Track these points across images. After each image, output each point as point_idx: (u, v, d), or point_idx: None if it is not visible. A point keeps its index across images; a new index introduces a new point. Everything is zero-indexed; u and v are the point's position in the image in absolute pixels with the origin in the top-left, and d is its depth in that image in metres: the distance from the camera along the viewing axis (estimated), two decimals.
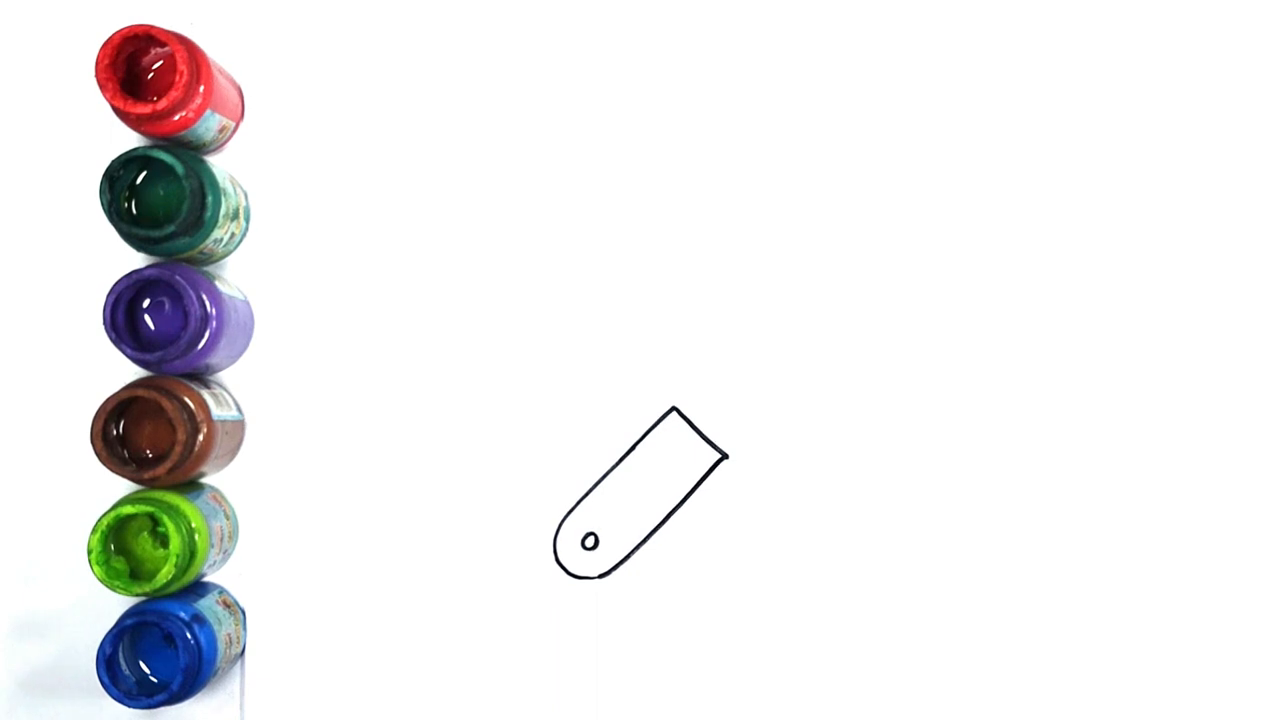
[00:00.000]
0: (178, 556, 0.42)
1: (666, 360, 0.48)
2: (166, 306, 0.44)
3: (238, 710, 0.47)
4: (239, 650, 0.46)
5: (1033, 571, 0.47)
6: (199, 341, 0.43)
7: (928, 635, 0.47)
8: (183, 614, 0.43)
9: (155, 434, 0.44)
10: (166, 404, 0.42)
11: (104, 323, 0.42)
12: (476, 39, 0.48)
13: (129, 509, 0.42)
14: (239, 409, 0.47)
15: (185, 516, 0.43)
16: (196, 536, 0.43)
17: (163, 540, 0.43)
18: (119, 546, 0.43)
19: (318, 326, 0.47)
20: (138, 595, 0.42)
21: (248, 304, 0.47)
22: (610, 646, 0.47)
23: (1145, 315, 0.48)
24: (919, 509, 0.47)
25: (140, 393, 0.42)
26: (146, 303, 0.44)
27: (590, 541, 0.47)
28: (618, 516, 0.47)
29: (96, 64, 0.41)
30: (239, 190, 0.46)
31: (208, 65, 0.43)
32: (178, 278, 0.42)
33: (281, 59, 0.48)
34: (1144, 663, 0.47)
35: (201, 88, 0.43)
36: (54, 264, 0.47)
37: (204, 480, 0.47)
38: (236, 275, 0.47)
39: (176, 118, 0.43)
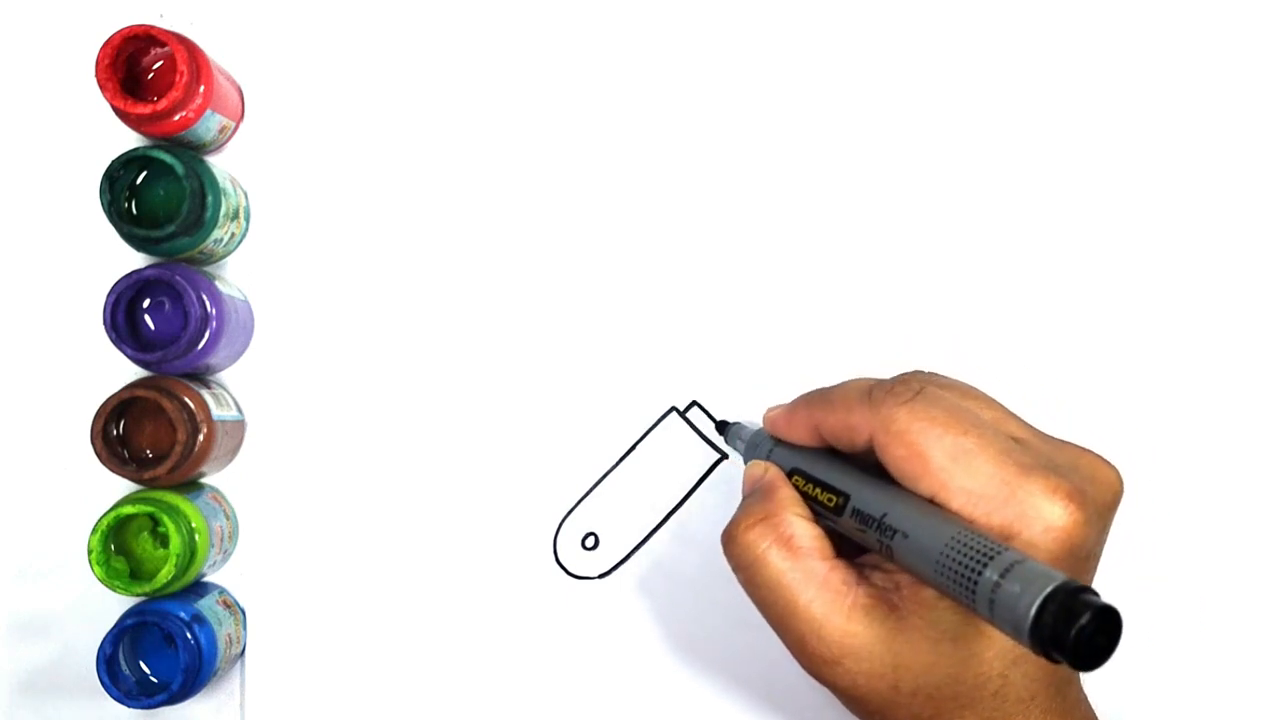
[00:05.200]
0: (178, 556, 0.42)
1: (666, 360, 0.48)
2: (166, 306, 0.44)
3: (238, 710, 0.47)
4: (239, 650, 0.46)
5: None
6: (199, 341, 0.43)
7: None
8: (183, 614, 0.43)
9: (155, 434, 0.44)
10: (166, 404, 0.42)
11: (104, 323, 0.42)
12: (477, 39, 0.48)
13: (129, 509, 0.42)
14: (239, 409, 0.47)
15: (185, 516, 0.43)
16: (196, 536, 0.43)
17: (163, 540, 0.43)
18: (119, 546, 0.43)
19: (318, 326, 0.47)
20: (138, 595, 0.42)
21: (248, 304, 0.47)
22: (610, 646, 0.47)
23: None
24: None
25: (140, 393, 0.42)
26: (146, 303, 0.44)
27: (590, 541, 0.47)
28: (618, 516, 0.47)
29: (96, 64, 0.41)
30: (239, 190, 0.46)
31: (208, 65, 0.43)
32: (178, 278, 0.42)
33: (281, 59, 0.48)
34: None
35: (201, 88, 0.43)
36: (54, 264, 0.47)
37: (204, 480, 0.47)
38: (236, 275, 0.47)
39: (176, 118, 0.43)
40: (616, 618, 0.47)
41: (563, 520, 0.47)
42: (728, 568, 0.37)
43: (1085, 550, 0.32)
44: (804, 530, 0.36)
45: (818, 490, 0.37)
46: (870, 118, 0.48)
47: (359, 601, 0.47)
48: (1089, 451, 0.35)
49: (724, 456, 0.48)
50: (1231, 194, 0.48)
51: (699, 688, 0.47)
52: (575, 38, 0.48)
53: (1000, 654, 0.33)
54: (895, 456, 0.33)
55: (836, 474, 0.37)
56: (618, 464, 0.48)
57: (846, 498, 0.35)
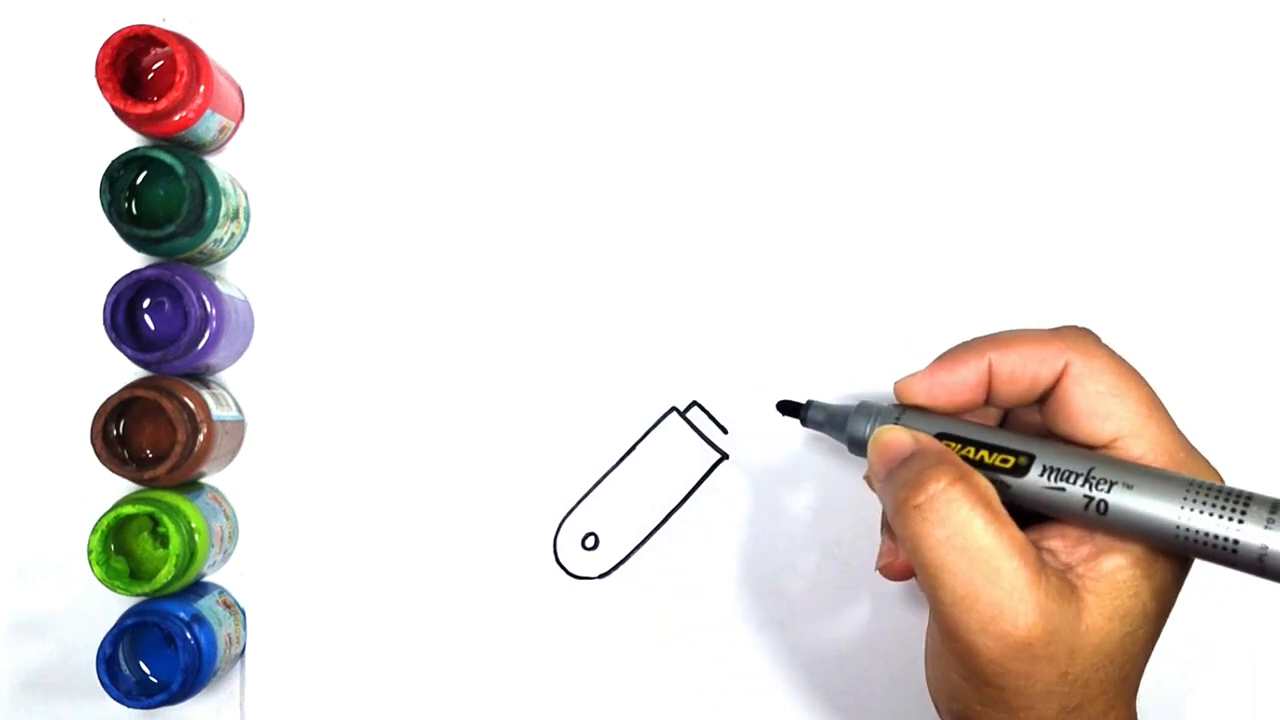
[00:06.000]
0: (178, 556, 0.42)
1: (666, 360, 0.48)
2: (166, 306, 0.44)
3: (238, 710, 0.47)
4: (239, 650, 0.46)
5: None
6: (199, 341, 0.43)
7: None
8: (183, 614, 0.43)
9: (155, 434, 0.44)
10: (166, 404, 0.42)
11: (104, 323, 0.42)
12: (477, 39, 0.48)
13: (129, 509, 0.42)
14: (239, 409, 0.47)
15: (185, 516, 0.43)
16: (196, 536, 0.43)
17: (163, 540, 0.43)
18: (119, 546, 0.43)
19: (318, 326, 0.47)
20: (138, 595, 0.42)
21: (248, 304, 0.47)
22: (610, 646, 0.47)
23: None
24: None
25: (140, 393, 0.42)
26: (146, 303, 0.44)
27: (590, 541, 0.47)
28: (618, 516, 0.47)
29: (96, 64, 0.41)
30: (239, 190, 0.46)
31: (208, 65, 0.43)
32: (178, 278, 0.42)
33: (281, 59, 0.48)
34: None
35: (201, 88, 0.43)
36: (54, 264, 0.47)
37: (204, 480, 0.47)
38: (236, 275, 0.47)
39: (176, 118, 0.43)
40: (616, 618, 0.47)
41: (563, 520, 0.47)
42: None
43: None
44: (996, 496, 0.33)
45: (983, 453, 0.34)
46: (870, 118, 0.48)
47: (359, 601, 0.47)
48: None
49: (724, 456, 0.48)
50: (1238, 193, 0.48)
51: (699, 688, 0.47)
52: (575, 38, 0.48)
53: (1149, 629, 0.33)
54: (1092, 391, 0.33)
55: (1001, 434, 0.34)
56: (618, 464, 0.48)
57: (1031, 457, 0.33)
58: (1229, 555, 0.29)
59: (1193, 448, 0.33)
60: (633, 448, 0.48)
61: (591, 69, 0.48)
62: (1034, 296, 0.48)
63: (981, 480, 0.33)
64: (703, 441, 0.48)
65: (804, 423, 0.41)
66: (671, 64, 0.48)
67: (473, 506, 0.47)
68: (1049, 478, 0.32)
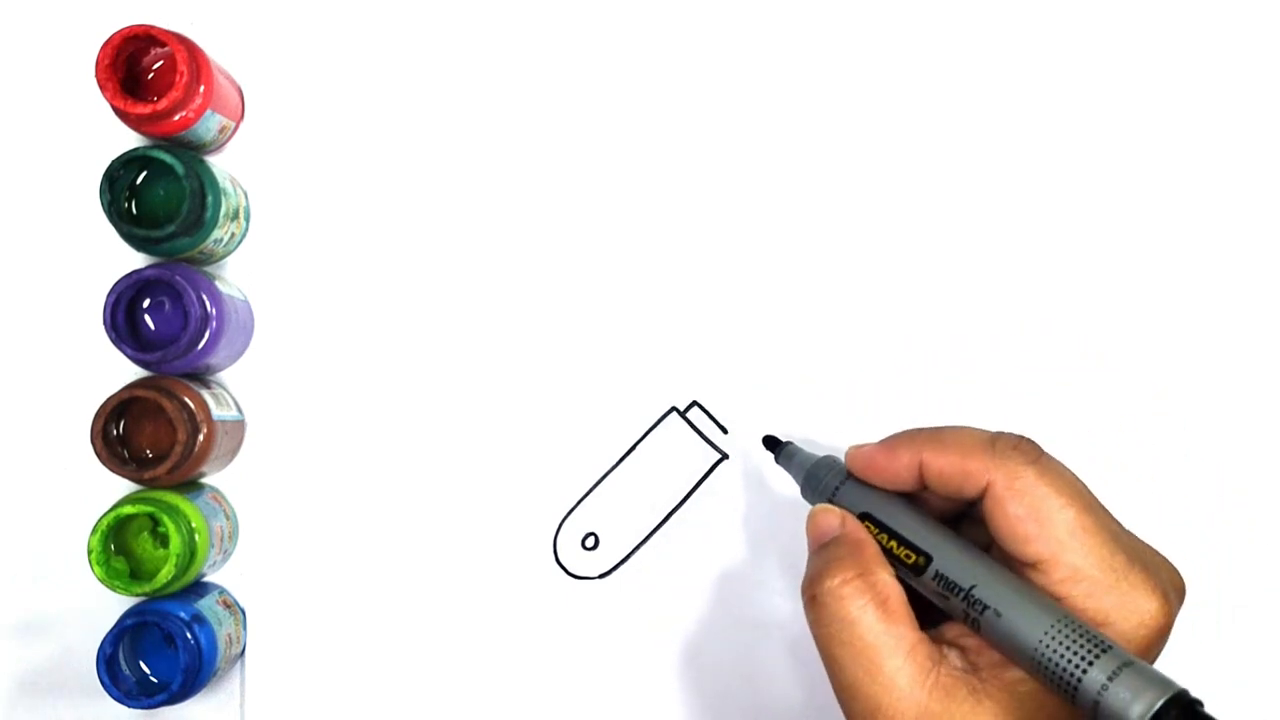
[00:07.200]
0: (178, 556, 0.42)
1: (666, 360, 0.48)
2: (166, 306, 0.44)
3: (238, 710, 0.47)
4: (239, 650, 0.46)
5: None
6: (199, 341, 0.43)
7: None
8: (183, 614, 0.43)
9: (155, 434, 0.44)
10: (166, 404, 0.42)
11: (104, 323, 0.42)
12: (477, 39, 0.48)
13: (129, 509, 0.42)
14: (239, 409, 0.47)
15: (185, 516, 0.43)
16: (196, 536, 0.43)
17: (163, 540, 0.43)
18: (119, 546, 0.43)
19: (318, 326, 0.47)
20: (138, 595, 0.42)
21: (248, 304, 0.47)
22: (610, 646, 0.47)
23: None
24: None
25: (140, 393, 0.42)
26: (146, 303, 0.44)
27: (590, 541, 0.47)
28: (618, 516, 0.47)
29: (96, 64, 0.41)
30: (239, 190, 0.46)
31: (208, 65, 0.43)
32: (178, 278, 0.42)
33: (281, 59, 0.48)
34: None
35: (201, 88, 0.43)
36: (54, 264, 0.47)
37: (204, 480, 0.47)
38: (236, 275, 0.47)
39: (176, 118, 0.43)
40: (616, 618, 0.47)
41: (563, 520, 0.47)
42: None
43: (1160, 648, 0.32)
44: (897, 593, 0.34)
45: (893, 543, 0.35)
46: (870, 119, 0.48)
47: (359, 601, 0.47)
48: (1158, 551, 0.34)
49: (724, 456, 0.48)
50: (1237, 196, 0.48)
51: (699, 688, 0.47)
52: (576, 37, 0.48)
53: None
54: (1010, 514, 0.33)
55: (916, 528, 0.35)
56: (618, 464, 0.48)
57: (929, 559, 0.34)
58: (1071, 695, 0.29)
59: (1125, 568, 0.32)
60: (633, 448, 0.48)
61: (591, 70, 0.48)
62: (1034, 296, 0.48)
63: (881, 578, 0.34)
64: (703, 441, 0.48)
65: (776, 460, 0.43)
66: (671, 66, 0.48)
67: (473, 507, 0.47)
68: (938, 584, 0.33)
